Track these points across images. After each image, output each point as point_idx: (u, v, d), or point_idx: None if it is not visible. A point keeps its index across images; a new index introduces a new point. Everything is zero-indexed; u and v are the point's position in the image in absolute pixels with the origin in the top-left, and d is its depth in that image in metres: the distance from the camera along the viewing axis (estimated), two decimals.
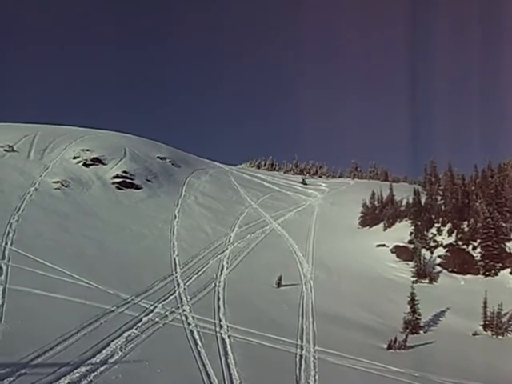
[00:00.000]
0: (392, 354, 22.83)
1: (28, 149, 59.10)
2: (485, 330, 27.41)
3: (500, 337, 26.97)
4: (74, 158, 59.11)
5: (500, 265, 37.15)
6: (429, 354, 23.34)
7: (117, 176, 56.90)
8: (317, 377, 18.44)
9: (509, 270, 36.69)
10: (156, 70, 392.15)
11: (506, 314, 27.87)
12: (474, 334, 26.98)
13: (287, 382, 17.85)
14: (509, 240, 38.46)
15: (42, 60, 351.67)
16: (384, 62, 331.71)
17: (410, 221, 44.64)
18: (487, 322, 27.47)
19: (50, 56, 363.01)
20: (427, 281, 36.21)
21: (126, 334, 20.35)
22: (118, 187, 54.93)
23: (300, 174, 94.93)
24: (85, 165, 57.96)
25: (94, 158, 59.66)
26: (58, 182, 50.49)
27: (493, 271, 37.03)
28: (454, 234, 40.88)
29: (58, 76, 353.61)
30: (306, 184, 76.58)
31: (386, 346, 23.38)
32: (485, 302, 27.68)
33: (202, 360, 18.71)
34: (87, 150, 61.24)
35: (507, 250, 37.80)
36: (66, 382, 15.22)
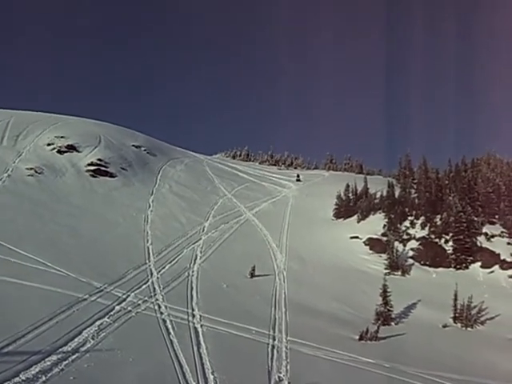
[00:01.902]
0: (363, 344, 23.01)
1: (1, 135, 58.55)
2: (455, 322, 27.77)
3: (469, 329, 27.33)
4: (48, 144, 58.66)
5: (471, 258, 37.59)
6: (400, 346, 23.54)
7: (91, 164, 56.61)
8: (288, 367, 18.55)
9: (479, 263, 37.15)
10: (133, 59, 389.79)
11: (475, 307, 28.31)
12: (444, 326, 27.30)
13: (259, 371, 17.91)
14: (480, 234, 38.92)
15: (15, 45, 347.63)
16: (360, 56, 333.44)
17: (383, 213, 44.98)
18: (457, 315, 27.84)
19: (25, 41, 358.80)
20: (399, 273, 36.52)
21: (98, 323, 20.27)
22: (92, 175, 54.63)
23: (275, 164, 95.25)
24: (59, 152, 57.55)
25: (68, 145, 59.26)
26: (31, 168, 50.05)
27: (464, 264, 37.45)
28: (426, 228, 41.26)
29: (33, 62, 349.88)
30: (300, 181, 73.60)
31: (357, 337, 23.55)
32: (455, 295, 28.08)
33: (174, 349, 18.71)
34: (61, 137, 60.79)
35: (478, 244, 38.25)
36: (37, 370, 15.12)
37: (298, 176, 74.66)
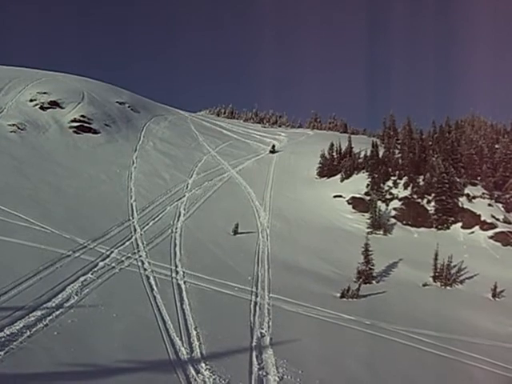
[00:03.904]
0: (345, 302, 23.32)
1: None
2: (434, 281, 28.24)
3: (448, 288, 27.83)
4: (31, 100, 57.93)
5: (452, 219, 38.07)
6: (380, 303, 23.91)
7: (74, 120, 56.08)
8: (270, 323, 18.76)
9: (460, 224, 37.61)
10: (118, 16, 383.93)
11: (455, 266, 28.78)
12: (424, 285, 27.75)
13: (242, 327, 18.11)
14: (462, 195, 39.33)
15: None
16: (344, 15, 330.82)
17: (367, 173, 45.12)
18: (437, 274, 28.31)
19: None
20: (382, 232, 36.86)
21: (81, 279, 20.33)
22: (75, 131, 54.16)
23: (260, 122, 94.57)
24: (42, 108, 56.92)
25: (51, 102, 58.57)
26: (13, 125, 49.47)
27: (445, 225, 37.93)
28: (409, 188, 41.55)
29: (16, 15, 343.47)
30: (274, 152, 64.37)
31: (339, 295, 23.85)
32: (436, 255, 28.49)
33: (157, 305, 18.86)
34: (44, 93, 60.03)
35: (460, 204, 38.66)
36: (21, 325, 15.15)
37: (274, 147, 66.15)
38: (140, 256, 25.06)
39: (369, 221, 37.69)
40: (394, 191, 41.98)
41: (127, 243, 26.97)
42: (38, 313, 16.27)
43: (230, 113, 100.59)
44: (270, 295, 22.22)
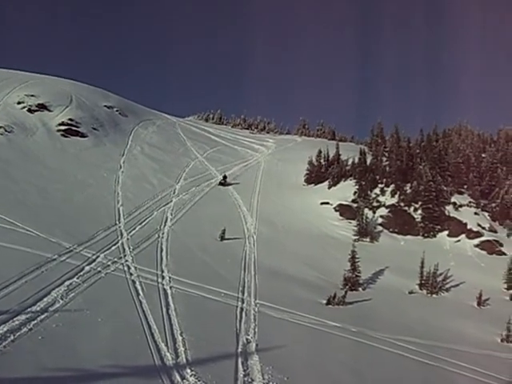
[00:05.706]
0: (331, 309, 23.35)
1: None
2: (420, 289, 28.39)
3: (434, 295, 27.98)
4: (19, 103, 57.61)
5: (439, 227, 38.27)
6: (366, 310, 23.95)
7: (62, 123, 55.84)
8: (256, 329, 18.73)
9: (447, 232, 37.79)
10: (107, 20, 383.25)
11: (441, 274, 28.93)
12: (411, 293, 27.88)
13: (227, 333, 18.07)
14: (448, 203, 39.52)
15: None
16: (333, 22, 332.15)
17: (354, 180, 45.26)
18: (423, 281, 28.48)
19: None
20: (368, 240, 36.94)
21: (67, 283, 20.18)
22: (63, 135, 53.92)
23: (248, 128, 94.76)
24: (29, 111, 56.61)
25: (39, 104, 58.29)
26: (0, 127, 49.14)
27: (432, 233, 38.11)
28: (396, 195, 41.70)
29: (4, 17, 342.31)
30: (224, 183, 50.43)
31: (325, 302, 23.88)
32: (422, 262, 28.63)
33: (143, 310, 18.75)
34: (32, 96, 59.72)
35: (446, 213, 38.84)
36: (5, 329, 15.01)
37: (225, 177, 51.61)
38: (126, 261, 24.93)
39: (356, 228, 37.75)
40: (381, 199, 42.12)
41: (113, 248, 26.83)
42: (23, 317, 16.13)
43: (219, 118, 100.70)
44: (257, 301, 22.19)
